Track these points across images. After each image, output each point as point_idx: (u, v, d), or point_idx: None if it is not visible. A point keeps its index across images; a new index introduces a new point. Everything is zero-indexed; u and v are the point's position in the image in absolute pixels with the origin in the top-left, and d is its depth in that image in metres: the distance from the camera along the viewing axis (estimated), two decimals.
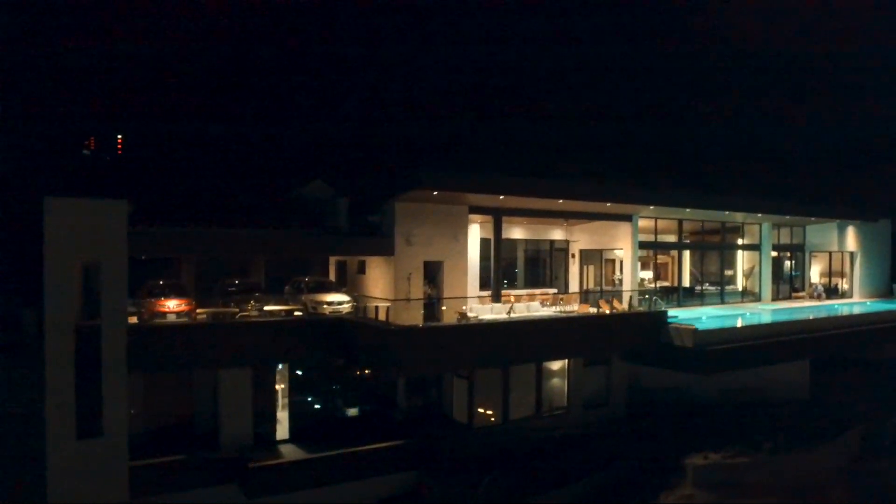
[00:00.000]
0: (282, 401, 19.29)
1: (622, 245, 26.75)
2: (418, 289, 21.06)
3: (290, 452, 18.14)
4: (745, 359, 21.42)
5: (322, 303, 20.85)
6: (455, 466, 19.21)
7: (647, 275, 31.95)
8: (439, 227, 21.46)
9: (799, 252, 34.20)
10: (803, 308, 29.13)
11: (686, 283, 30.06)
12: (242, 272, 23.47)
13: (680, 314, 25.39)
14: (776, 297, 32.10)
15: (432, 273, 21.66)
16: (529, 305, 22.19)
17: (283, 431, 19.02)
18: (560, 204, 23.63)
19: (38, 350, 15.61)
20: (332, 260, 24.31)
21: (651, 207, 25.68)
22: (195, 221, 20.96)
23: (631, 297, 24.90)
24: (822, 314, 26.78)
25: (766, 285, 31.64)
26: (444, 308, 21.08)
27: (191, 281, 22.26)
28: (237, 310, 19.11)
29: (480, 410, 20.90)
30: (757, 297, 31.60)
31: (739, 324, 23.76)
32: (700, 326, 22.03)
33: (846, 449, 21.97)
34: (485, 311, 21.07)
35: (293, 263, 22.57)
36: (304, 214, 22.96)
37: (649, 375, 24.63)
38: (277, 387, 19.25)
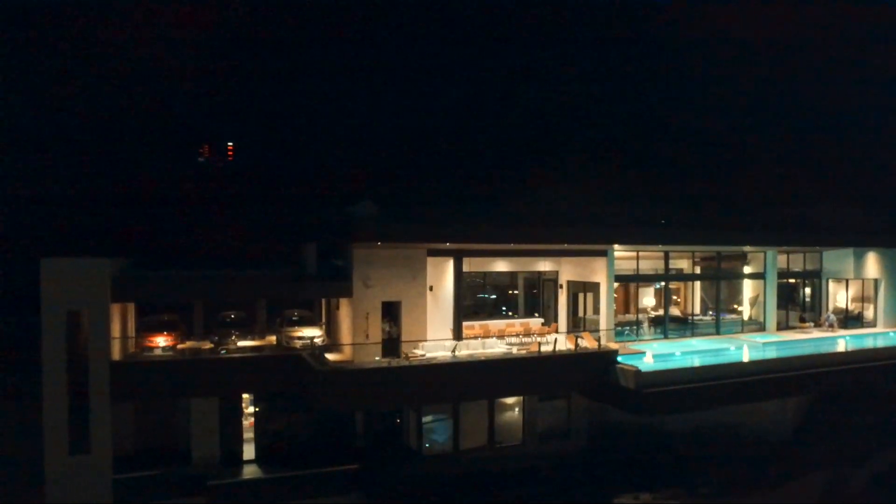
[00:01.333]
0: (248, 425, 22.08)
1: (599, 278, 27.40)
2: (376, 327, 23.13)
3: (250, 472, 20.88)
4: (691, 402, 21.73)
5: (294, 337, 23.58)
6: (403, 491, 21.20)
7: (651, 302, 32.21)
8: (398, 268, 23.41)
9: (816, 279, 32.92)
10: (799, 342, 28.36)
11: (677, 312, 30.09)
12: (246, 305, 26.55)
13: (660, 348, 25.89)
14: (785, 327, 31.27)
15: (392, 312, 23.62)
16: (485, 342, 23.67)
17: (250, 452, 21.80)
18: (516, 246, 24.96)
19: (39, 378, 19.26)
20: None
21: (615, 246, 26.25)
22: (183, 266, 24.38)
23: (601, 332, 25.70)
24: (810, 350, 26.16)
25: (771, 314, 30.87)
26: (402, 345, 23.08)
27: (199, 313, 25.64)
28: (211, 345, 22.11)
29: (437, 440, 22.73)
30: (761, 327, 30.92)
31: (696, 363, 23.87)
32: (661, 365, 22.68)
33: (803, 495, 21.67)
34: (439, 348, 22.79)
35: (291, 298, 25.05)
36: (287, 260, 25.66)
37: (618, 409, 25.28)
38: (246, 412, 22.07)
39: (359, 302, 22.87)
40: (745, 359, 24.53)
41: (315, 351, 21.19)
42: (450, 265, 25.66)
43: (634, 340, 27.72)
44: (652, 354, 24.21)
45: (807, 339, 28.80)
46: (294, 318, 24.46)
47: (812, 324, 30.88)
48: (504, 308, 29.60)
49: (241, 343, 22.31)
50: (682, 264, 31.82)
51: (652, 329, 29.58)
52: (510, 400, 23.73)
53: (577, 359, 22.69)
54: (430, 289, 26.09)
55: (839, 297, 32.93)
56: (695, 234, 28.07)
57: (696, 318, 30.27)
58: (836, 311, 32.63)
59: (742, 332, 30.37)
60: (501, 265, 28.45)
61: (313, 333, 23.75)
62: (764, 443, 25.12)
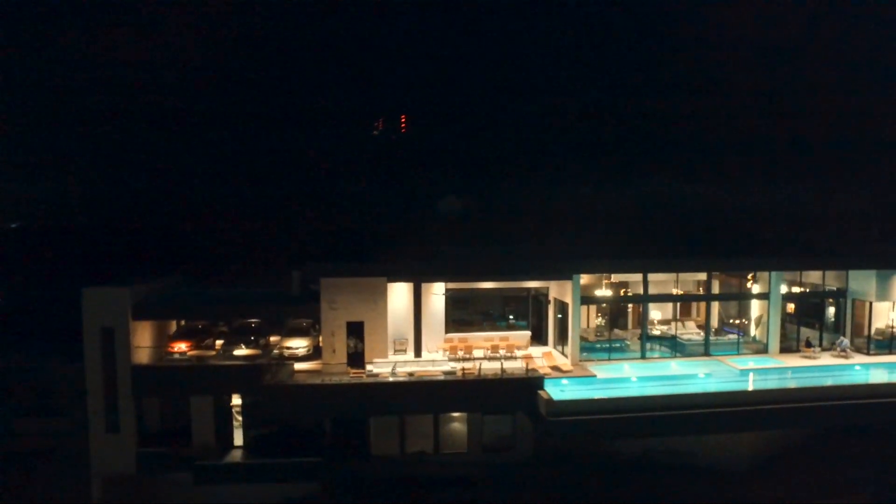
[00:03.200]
0: (238, 418, 27.44)
1: (568, 300, 28.57)
2: (342, 342, 27.14)
3: (233, 456, 26.24)
4: (599, 432, 22.94)
5: (283, 347, 28.51)
6: (353, 483, 25.34)
7: (659, 315, 32.35)
8: (361, 294, 27.07)
9: (841, 298, 30.36)
10: (788, 370, 27.14)
11: (658, 333, 30.08)
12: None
13: (629, 369, 26.83)
14: (796, 350, 29.65)
15: (356, 331, 27.39)
16: (434, 361, 26.59)
17: (239, 439, 27.21)
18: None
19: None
20: None
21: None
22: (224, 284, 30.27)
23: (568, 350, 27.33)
24: (789, 383, 25.41)
25: (774, 336, 29.45)
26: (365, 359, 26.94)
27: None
28: (213, 353, 27.72)
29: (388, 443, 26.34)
30: (763, 349, 29.66)
31: (628, 393, 24.52)
32: (581, 394, 24.16)
33: None
34: (390, 365, 26.23)
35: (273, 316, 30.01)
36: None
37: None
38: (235, 407, 27.42)
39: (325, 322, 27.03)
40: (686, 391, 24.73)
41: (276, 363, 25.86)
42: (439, 287, 29.03)
43: (605, 360, 28.62)
44: (606, 377, 25.54)
45: (799, 368, 27.41)
46: (290, 329, 29.39)
47: (818, 349, 28.87)
48: (494, 321, 32.04)
49: (238, 352, 27.68)
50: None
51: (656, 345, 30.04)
52: (455, 413, 26.45)
53: (503, 383, 24.80)
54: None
55: (879, 317, 30.11)
56: (653, 264, 28.14)
57: (685, 337, 29.97)
58: (879, 333, 30.03)
59: (738, 354, 29.49)
60: (487, 283, 30.78)
61: (299, 345, 28.52)
62: (714, 473, 25.00)
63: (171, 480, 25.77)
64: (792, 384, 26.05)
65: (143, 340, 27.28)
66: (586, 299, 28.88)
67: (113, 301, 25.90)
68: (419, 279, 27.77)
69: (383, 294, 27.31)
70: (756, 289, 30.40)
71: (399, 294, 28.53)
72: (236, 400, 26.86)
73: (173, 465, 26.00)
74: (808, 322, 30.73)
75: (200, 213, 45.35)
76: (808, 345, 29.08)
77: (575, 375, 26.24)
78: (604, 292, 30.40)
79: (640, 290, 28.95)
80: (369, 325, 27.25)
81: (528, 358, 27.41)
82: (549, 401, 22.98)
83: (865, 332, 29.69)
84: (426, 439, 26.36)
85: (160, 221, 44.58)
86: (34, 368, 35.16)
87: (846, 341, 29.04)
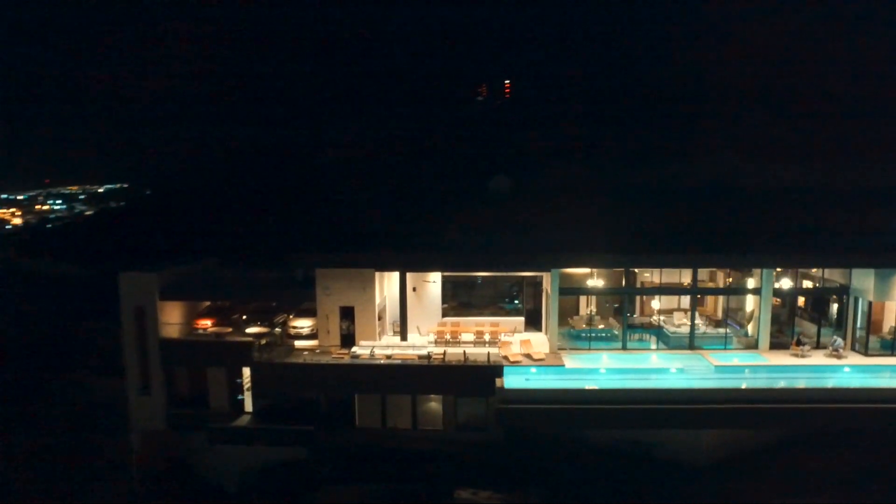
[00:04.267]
0: (245, 388, 31.19)
1: (551, 290, 29.59)
2: (336, 324, 29.99)
3: (241, 421, 30.04)
4: (546, 422, 24.25)
5: (290, 326, 31.86)
6: (338, 451, 28.46)
7: (657, 304, 32.57)
8: (352, 282, 29.66)
9: (844, 295, 29.03)
10: (768, 368, 26.78)
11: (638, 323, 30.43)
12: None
13: (606, 360, 27.85)
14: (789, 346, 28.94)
15: (348, 315, 30.08)
16: (414, 345, 28.80)
17: (250, 407, 31.01)
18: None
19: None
20: None
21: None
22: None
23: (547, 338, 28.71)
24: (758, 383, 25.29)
25: (765, 332, 28.87)
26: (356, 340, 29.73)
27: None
28: (230, 329, 31.52)
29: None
30: (753, 345, 29.20)
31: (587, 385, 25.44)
32: (537, 384, 25.56)
33: None
34: (385, 348, 28.78)
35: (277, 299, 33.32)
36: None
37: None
38: (245, 377, 31.12)
39: (321, 306, 29.96)
40: (648, 385, 25.32)
41: (270, 341, 29.21)
42: (425, 275, 31.23)
43: (586, 349, 29.52)
44: (575, 367, 26.70)
45: (779, 367, 26.94)
46: (300, 311, 32.64)
47: (808, 347, 27.98)
48: (498, 307, 33.71)
49: (250, 330, 31.35)
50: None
51: (631, 336, 30.53)
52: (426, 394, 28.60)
53: (467, 369, 26.61)
54: (414, 289, 32.07)
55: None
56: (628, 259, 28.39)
57: (671, 330, 30.08)
58: (890, 333, 28.70)
59: (726, 348, 29.27)
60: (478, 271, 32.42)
61: (304, 325, 31.72)
62: (671, 466, 25.51)
63: (194, 438, 30.06)
64: (761, 384, 25.73)
65: (172, 317, 31.55)
66: (567, 290, 29.70)
67: (143, 284, 30.23)
68: (404, 269, 29.91)
69: (371, 282, 29.75)
70: (750, 283, 29.77)
71: (397, 280, 30.88)
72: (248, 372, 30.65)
73: (196, 425, 30.30)
74: (812, 318, 29.78)
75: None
76: (799, 342, 28.27)
77: (546, 364, 27.52)
78: (595, 282, 30.99)
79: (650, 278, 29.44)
80: (359, 310, 29.88)
81: (505, 344, 28.99)
82: (500, 389, 24.57)
83: (882, 332, 28.42)
84: (405, 416, 28.77)
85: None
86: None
87: (840, 341, 27.97)
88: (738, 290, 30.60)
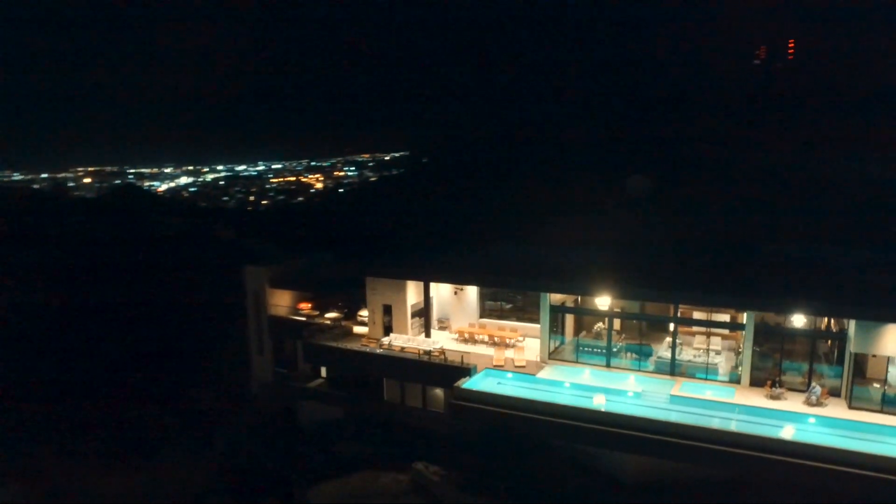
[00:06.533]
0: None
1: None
2: (380, 317, 37.59)
3: (314, 384, 39.51)
4: (486, 420, 28.80)
5: (357, 315, 40.41)
6: (367, 417, 36.52)
7: None
8: (390, 287, 36.85)
9: (839, 340, 27.27)
10: (728, 406, 27.13)
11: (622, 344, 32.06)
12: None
13: (583, 374, 31.22)
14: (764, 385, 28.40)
15: (388, 311, 37.36)
16: (424, 341, 35.01)
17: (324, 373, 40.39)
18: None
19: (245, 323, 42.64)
20: None
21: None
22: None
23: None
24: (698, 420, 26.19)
25: (746, 369, 28.77)
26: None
27: None
28: (315, 313, 41.16)
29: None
30: (736, 381, 29.24)
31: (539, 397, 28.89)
32: (491, 388, 30.24)
33: None
34: (403, 340, 35.70)
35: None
36: None
37: None
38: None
39: (369, 302, 37.81)
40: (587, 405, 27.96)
41: (317, 326, 38.02)
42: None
43: (574, 363, 32.62)
44: (546, 378, 30.58)
45: (734, 405, 27.11)
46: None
47: (780, 389, 27.21)
48: (522, 311, 38.08)
49: (328, 315, 40.68)
50: None
51: (627, 355, 32.64)
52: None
53: (444, 367, 32.13)
54: (455, 293, 38.46)
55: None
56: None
57: (657, 354, 31.38)
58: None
59: (706, 379, 29.82)
60: None
61: (364, 315, 40.02)
62: (602, 478, 27.92)
63: (289, 391, 40.67)
64: (692, 419, 26.30)
65: (284, 300, 42.40)
66: (555, 308, 32.94)
67: (258, 275, 41.42)
68: (427, 279, 36.18)
69: (403, 288, 36.60)
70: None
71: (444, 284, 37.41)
72: None
73: (284, 381, 40.90)
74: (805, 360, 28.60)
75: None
76: (773, 385, 27.68)
77: (523, 371, 31.67)
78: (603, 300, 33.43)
79: None
80: (395, 308, 37.05)
81: (500, 349, 33.68)
82: (456, 387, 29.82)
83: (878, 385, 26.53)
84: (418, 397, 35.35)
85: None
86: None
87: (818, 389, 26.72)
88: (719, 324, 30.44)
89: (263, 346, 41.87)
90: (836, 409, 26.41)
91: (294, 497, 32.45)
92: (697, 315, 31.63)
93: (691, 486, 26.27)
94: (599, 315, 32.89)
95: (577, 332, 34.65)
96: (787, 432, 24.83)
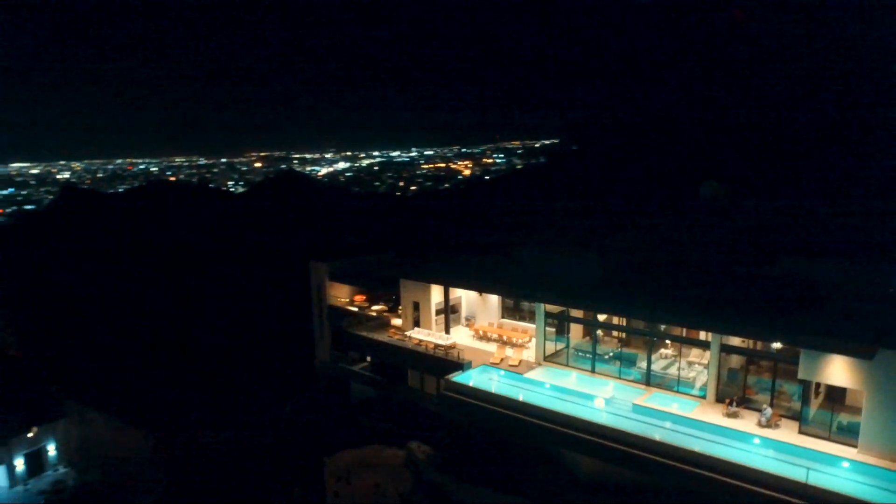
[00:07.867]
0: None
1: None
2: (410, 312, 42.70)
3: (356, 367, 45.62)
4: (466, 411, 32.85)
5: (399, 308, 45.88)
6: (392, 399, 42.07)
7: None
8: (419, 287, 41.76)
9: (793, 364, 27.76)
10: (683, 420, 28.80)
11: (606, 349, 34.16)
12: None
13: (570, 377, 34.29)
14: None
15: (417, 307, 42.29)
16: (441, 336, 39.54)
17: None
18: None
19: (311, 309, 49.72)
20: None
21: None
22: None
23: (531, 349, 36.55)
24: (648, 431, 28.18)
25: (711, 384, 30.12)
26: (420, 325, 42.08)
27: None
28: (366, 304, 47.16)
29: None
30: (701, 395, 30.66)
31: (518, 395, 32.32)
32: (479, 383, 34.28)
33: None
34: (423, 334, 40.57)
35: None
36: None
37: None
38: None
39: (404, 299, 43.02)
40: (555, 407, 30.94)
41: (355, 317, 43.84)
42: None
43: (563, 365, 35.52)
44: (531, 378, 34.03)
45: (687, 420, 28.70)
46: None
47: (735, 408, 28.29)
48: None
49: (374, 307, 46.56)
50: None
51: (615, 363, 34.98)
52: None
53: (445, 361, 36.48)
54: (480, 294, 42.83)
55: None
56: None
57: (637, 364, 33.34)
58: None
59: (675, 391, 31.43)
60: None
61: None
62: (564, 472, 30.82)
63: (342, 369, 47.37)
64: (640, 429, 28.19)
65: (341, 293, 49.00)
66: (550, 314, 35.87)
67: (320, 270, 48.28)
68: (434, 283, 40.65)
69: (428, 290, 41.33)
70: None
71: None
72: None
73: (336, 360, 47.55)
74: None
75: None
76: (731, 403, 28.82)
77: (514, 370, 35.22)
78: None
79: None
80: (422, 305, 41.94)
81: (501, 347, 37.45)
82: (447, 379, 34.17)
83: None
84: (433, 384, 40.10)
85: None
86: None
87: (769, 411, 27.55)
88: (690, 341, 31.57)
89: (324, 331, 48.79)
90: (785, 433, 27.25)
91: (322, 462, 38.85)
92: (675, 332, 33.06)
93: (641, 491, 28.57)
94: (586, 324, 35.47)
95: (584, 336, 37.26)
96: (715, 449, 26.28)
